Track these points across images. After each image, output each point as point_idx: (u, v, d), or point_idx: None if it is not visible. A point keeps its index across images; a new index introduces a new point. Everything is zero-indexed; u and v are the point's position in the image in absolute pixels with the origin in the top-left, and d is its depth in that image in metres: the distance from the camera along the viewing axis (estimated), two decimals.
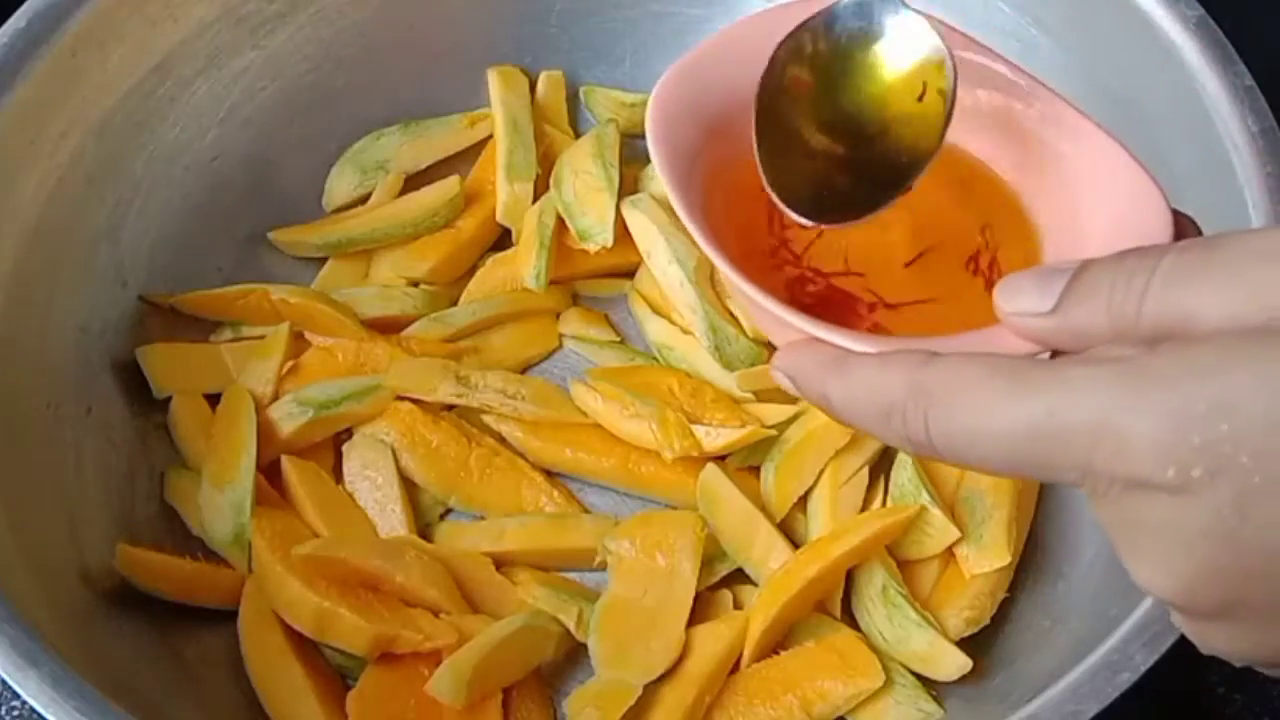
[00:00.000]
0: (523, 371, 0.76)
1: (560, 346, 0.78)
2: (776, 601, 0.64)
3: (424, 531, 0.70)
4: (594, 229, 0.74)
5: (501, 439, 0.72)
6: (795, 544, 0.68)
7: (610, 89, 0.82)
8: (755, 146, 0.47)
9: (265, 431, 0.70)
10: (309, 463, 0.70)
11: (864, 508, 0.69)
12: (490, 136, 0.81)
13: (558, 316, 0.78)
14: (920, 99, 0.47)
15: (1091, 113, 0.50)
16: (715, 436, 0.69)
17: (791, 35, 0.48)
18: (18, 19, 0.67)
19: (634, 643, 0.64)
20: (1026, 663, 0.64)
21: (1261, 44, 0.67)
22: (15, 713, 0.69)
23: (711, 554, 0.68)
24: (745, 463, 0.71)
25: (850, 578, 0.67)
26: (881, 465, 0.71)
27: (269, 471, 0.70)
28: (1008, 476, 0.65)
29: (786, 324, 0.44)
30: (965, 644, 0.64)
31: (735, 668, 0.65)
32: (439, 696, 0.61)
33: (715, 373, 0.73)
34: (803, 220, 0.45)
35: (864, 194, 0.46)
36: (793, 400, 0.73)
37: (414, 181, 0.80)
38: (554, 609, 0.66)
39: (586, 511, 0.71)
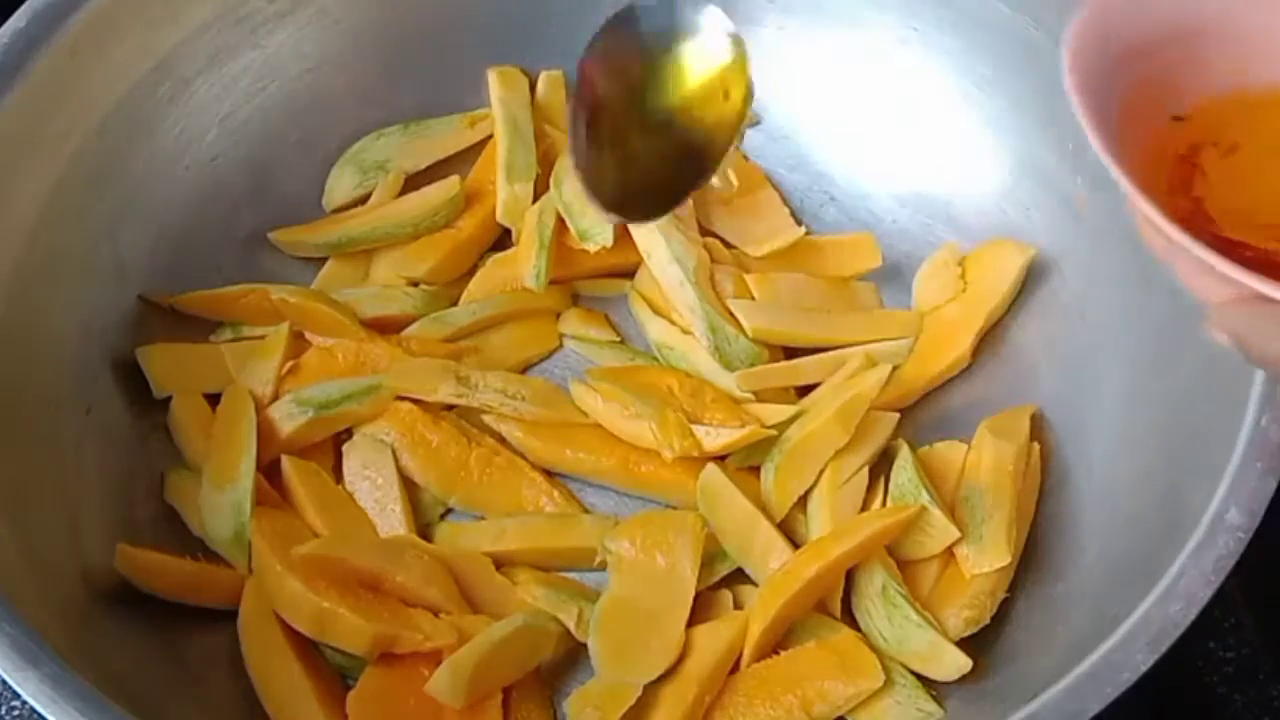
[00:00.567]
0: (523, 371, 0.76)
1: (560, 346, 0.78)
2: (776, 601, 0.64)
3: (424, 531, 0.70)
4: (594, 229, 0.74)
5: (501, 439, 0.72)
6: (795, 544, 0.68)
7: None
8: (569, 144, 0.47)
9: (265, 431, 0.70)
10: (309, 463, 0.70)
11: (864, 508, 0.69)
12: (490, 136, 0.81)
13: (558, 316, 0.78)
14: (725, 98, 0.47)
15: None
16: (715, 436, 0.69)
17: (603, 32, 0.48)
18: (18, 19, 0.67)
19: (634, 643, 0.64)
20: (1026, 663, 0.63)
21: None
22: (15, 713, 0.69)
23: (711, 554, 0.68)
24: (745, 463, 0.71)
25: (850, 578, 0.67)
26: (881, 465, 0.71)
27: (269, 471, 0.70)
28: None
29: (1234, 282, 0.44)
30: (965, 644, 0.64)
31: (735, 668, 0.65)
32: (439, 696, 0.61)
33: (715, 373, 0.73)
34: (610, 216, 0.46)
35: (666, 190, 0.46)
36: (793, 400, 0.73)
37: (414, 181, 0.80)
38: (554, 609, 0.66)
39: (586, 511, 0.71)
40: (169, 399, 0.72)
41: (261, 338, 0.74)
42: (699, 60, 0.47)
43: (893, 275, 0.79)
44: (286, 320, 0.73)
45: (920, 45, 0.78)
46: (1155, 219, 0.46)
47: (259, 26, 0.76)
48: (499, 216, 0.78)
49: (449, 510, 0.72)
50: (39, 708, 0.52)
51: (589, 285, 0.79)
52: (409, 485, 0.71)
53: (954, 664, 0.64)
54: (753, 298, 0.75)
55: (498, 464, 0.71)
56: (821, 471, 0.69)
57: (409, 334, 0.75)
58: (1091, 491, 0.68)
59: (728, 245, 0.78)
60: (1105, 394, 0.70)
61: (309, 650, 0.65)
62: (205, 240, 0.76)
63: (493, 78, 0.81)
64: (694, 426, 0.69)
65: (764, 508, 0.69)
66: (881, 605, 0.65)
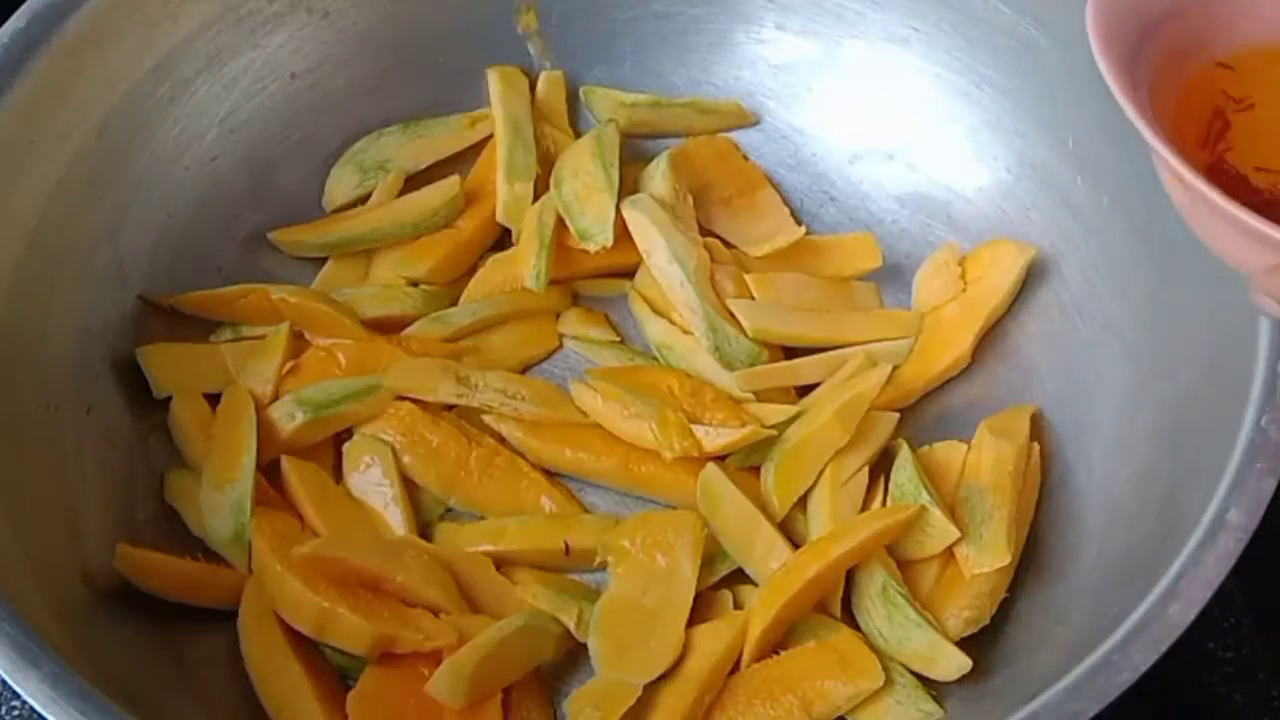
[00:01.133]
0: (523, 371, 0.76)
1: (560, 346, 0.78)
2: (776, 601, 0.64)
3: (424, 531, 0.70)
4: (594, 229, 0.74)
5: (501, 439, 0.72)
6: (795, 544, 0.68)
7: (610, 89, 0.82)
8: None
9: (265, 431, 0.70)
10: (309, 463, 0.70)
11: (864, 508, 0.69)
12: (490, 136, 0.81)
13: (558, 316, 0.78)
14: None
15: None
16: (715, 436, 0.69)
17: None
18: (18, 19, 0.67)
19: (634, 643, 0.64)
20: (1026, 663, 0.64)
21: None
22: (15, 713, 0.69)
23: (711, 554, 0.68)
24: (745, 463, 0.71)
25: (850, 578, 0.67)
26: (881, 465, 0.71)
27: (269, 471, 0.70)
28: None
29: (1270, 240, 0.43)
30: (965, 644, 0.64)
31: (735, 668, 0.65)
32: (439, 696, 0.61)
33: (715, 373, 0.73)
34: None
35: None
36: (793, 400, 0.73)
37: (414, 181, 0.80)
38: (554, 609, 0.66)
39: (586, 511, 0.71)
40: (169, 399, 0.72)
41: (261, 338, 0.74)
42: None
43: (893, 275, 0.79)
44: (286, 320, 0.73)
45: (920, 45, 0.78)
46: (1199, 186, 0.44)
47: (259, 26, 0.76)
48: (499, 216, 0.78)
49: (449, 510, 0.72)
50: (39, 708, 0.52)
51: (589, 285, 0.79)
52: (409, 485, 0.71)
53: (954, 664, 0.64)
54: (753, 298, 0.75)
55: (498, 464, 0.71)
56: (821, 471, 0.69)
57: (409, 334, 0.75)
58: (1091, 491, 0.68)
59: (728, 245, 0.78)
60: (1105, 394, 0.70)
61: (309, 650, 0.65)
62: (205, 240, 0.76)
63: (493, 78, 0.81)
64: (694, 426, 0.69)
65: (764, 508, 0.69)
66: (881, 605, 0.65)
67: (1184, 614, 0.54)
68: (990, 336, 0.76)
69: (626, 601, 0.66)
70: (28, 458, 0.63)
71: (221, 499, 0.67)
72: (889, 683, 0.63)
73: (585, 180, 0.76)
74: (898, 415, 0.72)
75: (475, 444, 0.71)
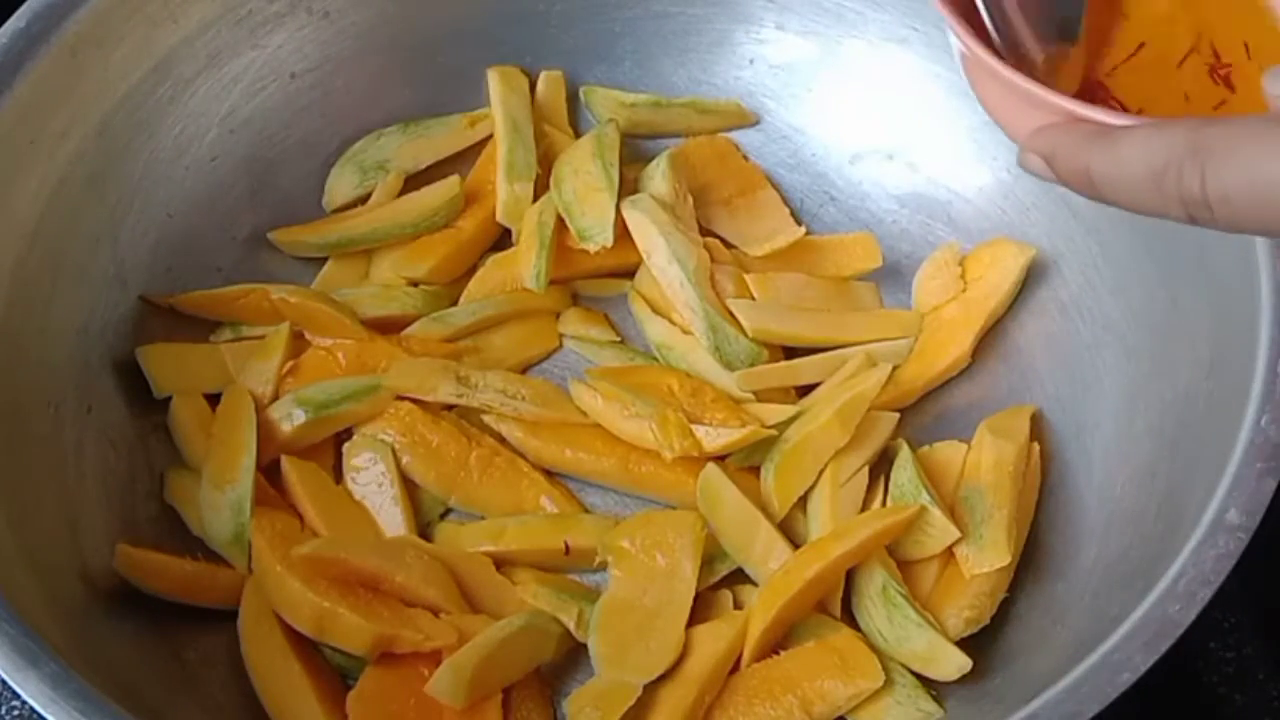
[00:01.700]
0: (523, 371, 0.76)
1: (560, 346, 0.78)
2: (776, 601, 0.64)
3: (424, 531, 0.70)
4: (594, 229, 0.74)
5: (501, 439, 0.72)
6: (795, 544, 0.68)
7: (610, 89, 0.82)
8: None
9: (265, 431, 0.70)
10: (309, 463, 0.70)
11: (864, 508, 0.69)
12: (490, 136, 0.81)
13: (558, 316, 0.78)
14: None
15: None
16: (715, 436, 0.69)
17: None
18: (18, 19, 0.67)
19: (634, 643, 0.65)
20: (1026, 663, 0.64)
21: None
22: (15, 713, 0.69)
23: (711, 554, 0.68)
24: (745, 463, 0.71)
25: (850, 578, 0.67)
26: (881, 465, 0.71)
27: (269, 471, 0.70)
28: None
29: (1045, 105, 0.45)
30: (965, 644, 0.64)
31: (735, 668, 0.65)
32: (439, 696, 0.61)
33: (715, 373, 0.73)
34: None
35: None
36: (793, 400, 0.73)
37: (414, 181, 0.80)
38: (554, 609, 0.66)
39: (586, 511, 0.71)
40: (169, 399, 0.72)
41: (261, 338, 0.74)
42: None
43: (893, 275, 0.79)
44: (286, 320, 0.73)
45: (920, 45, 0.78)
46: (969, 42, 0.47)
47: (259, 26, 0.76)
48: (499, 216, 0.78)
49: (449, 510, 0.72)
50: (39, 708, 0.52)
51: (589, 285, 0.79)
52: (409, 485, 0.71)
53: (954, 664, 0.64)
54: (753, 298, 0.75)
55: (498, 464, 0.71)
56: (821, 471, 0.69)
57: (409, 334, 0.75)
58: (1091, 492, 0.68)
59: (728, 245, 0.78)
60: (1105, 394, 0.70)
61: (309, 650, 0.65)
62: (205, 240, 0.76)
63: (493, 78, 0.81)
64: (694, 426, 0.69)
65: (764, 508, 0.69)
66: (881, 605, 0.65)
67: (1184, 614, 0.54)
68: (990, 336, 0.76)
69: (626, 601, 0.66)
70: (28, 458, 0.63)
71: (221, 499, 0.67)
72: (889, 683, 0.63)
73: (585, 180, 0.76)
74: (898, 415, 0.72)
75: (475, 444, 0.71)
